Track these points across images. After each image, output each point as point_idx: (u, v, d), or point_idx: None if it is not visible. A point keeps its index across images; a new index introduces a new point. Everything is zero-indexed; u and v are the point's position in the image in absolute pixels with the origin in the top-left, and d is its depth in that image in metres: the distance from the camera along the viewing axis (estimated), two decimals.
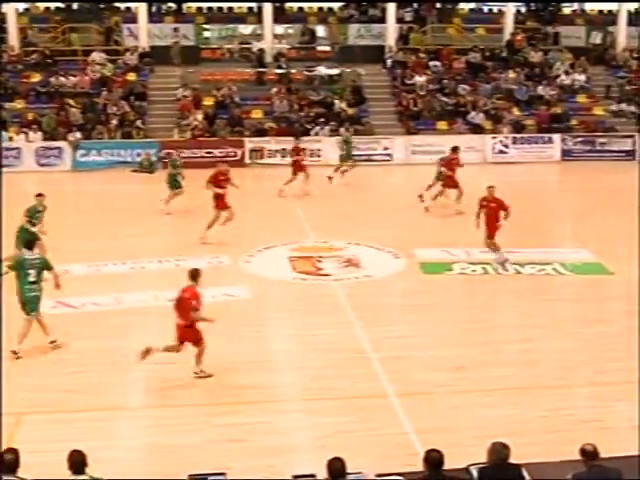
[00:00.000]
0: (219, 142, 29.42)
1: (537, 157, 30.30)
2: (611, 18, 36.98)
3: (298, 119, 30.75)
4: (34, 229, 16.22)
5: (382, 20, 34.67)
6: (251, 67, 33.36)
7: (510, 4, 35.74)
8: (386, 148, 29.91)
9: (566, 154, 30.66)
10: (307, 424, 10.82)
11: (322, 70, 32.96)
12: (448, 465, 7.81)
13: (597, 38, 35.29)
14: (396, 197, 24.51)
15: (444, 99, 32.04)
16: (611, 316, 15.26)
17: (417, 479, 7.64)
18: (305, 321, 14.41)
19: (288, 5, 37.16)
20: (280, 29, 35.86)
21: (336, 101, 31.34)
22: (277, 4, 35.00)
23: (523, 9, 37.97)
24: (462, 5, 38.69)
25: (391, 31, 34.20)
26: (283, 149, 28.81)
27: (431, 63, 33.68)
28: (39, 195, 17.01)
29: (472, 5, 39.28)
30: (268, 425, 10.62)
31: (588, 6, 39.54)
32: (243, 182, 27.41)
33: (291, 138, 27.69)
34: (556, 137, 30.83)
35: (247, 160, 29.28)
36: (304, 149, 25.63)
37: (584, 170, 28.34)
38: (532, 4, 38.01)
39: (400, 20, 35.09)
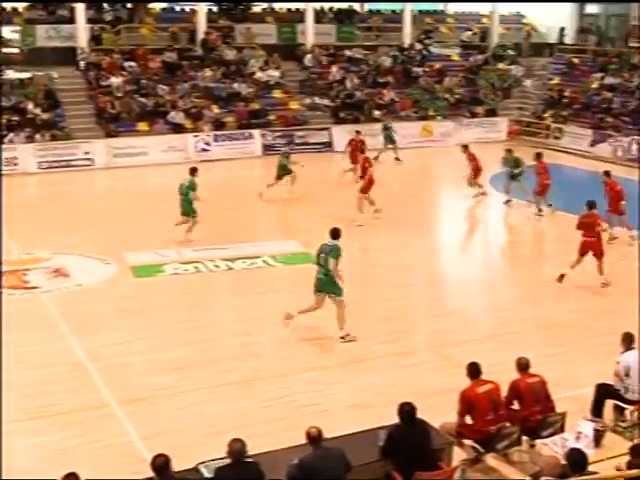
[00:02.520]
0: None
1: (240, 153, 30.78)
2: (299, 15, 38.36)
3: None
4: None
5: (71, 20, 33.64)
6: None
7: (201, 3, 36.00)
8: (86, 152, 29.00)
9: (267, 149, 31.39)
10: (28, 445, 10.32)
11: (11, 74, 31.36)
12: (178, 466, 7.79)
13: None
14: (100, 202, 23.94)
15: (142, 100, 31.68)
16: None
17: None
18: (15, 337, 13.59)
19: None
20: None
21: (29, 106, 30.02)
22: None
23: (215, 8, 38.39)
24: (153, 5, 38.48)
25: (82, 32, 33.24)
26: None
27: (126, 64, 33.13)
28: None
29: (164, 5, 39.18)
30: None
31: (277, 5, 40.73)
32: None
33: None
34: (256, 133, 31.48)
35: None
36: None
37: None
38: (223, 3, 38.51)
39: (91, 20, 34.26)
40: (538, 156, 22.05)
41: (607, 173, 19.73)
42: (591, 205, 16.53)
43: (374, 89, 35.43)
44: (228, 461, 7.90)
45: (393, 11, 42.48)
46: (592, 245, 16.19)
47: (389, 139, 29.71)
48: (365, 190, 21.38)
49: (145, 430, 10.48)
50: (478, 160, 23.76)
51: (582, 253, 16.25)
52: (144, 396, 11.50)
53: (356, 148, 25.77)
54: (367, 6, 43.57)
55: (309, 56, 36.01)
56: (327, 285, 13.49)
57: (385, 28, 40.44)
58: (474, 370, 9.68)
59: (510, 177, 23.00)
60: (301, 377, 12.22)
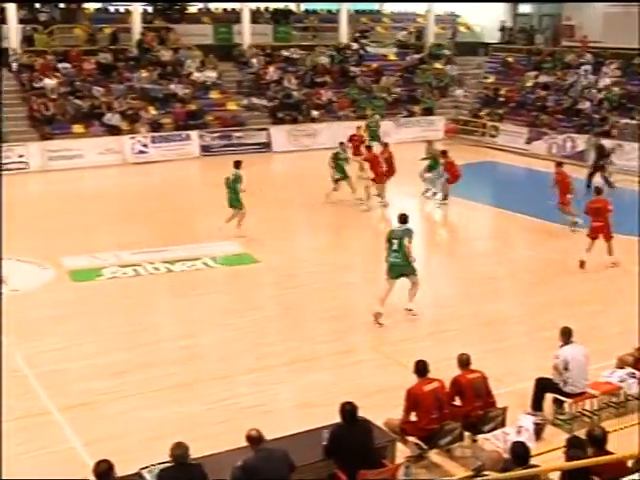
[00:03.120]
0: None
1: (177, 154, 30.55)
2: (235, 16, 38.20)
3: None
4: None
5: (2, 21, 32.98)
6: None
7: (136, 4, 35.62)
8: (21, 156, 28.48)
9: (205, 150, 31.27)
10: None
11: None
12: (120, 471, 7.69)
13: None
14: (36, 206, 23.54)
15: (77, 101, 31.23)
16: (262, 302, 15.75)
17: None
18: None
19: None
20: None
21: None
22: None
23: (150, 9, 38.03)
24: (87, 5, 37.97)
25: (13, 32, 32.63)
26: None
27: (60, 65, 32.64)
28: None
29: (98, 5, 38.68)
30: None
31: (212, 5, 40.52)
32: None
33: None
34: (194, 134, 31.31)
35: None
36: None
37: (223, 164, 28.84)
38: (158, 4, 38.17)
39: (23, 21, 33.67)
40: (444, 154, 23.44)
41: (559, 164, 20.88)
42: (599, 191, 18.02)
43: (312, 89, 35.48)
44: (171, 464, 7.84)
45: (329, 11, 42.61)
46: (601, 229, 17.18)
47: (373, 136, 28.69)
48: (380, 180, 22.63)
49: (87, 436, 10.34)
50: (393, 161, 23.65)
51: (592, 237, 17.24)
52: (84, 402, 11.34)
53: (359, 143, 25.87)
54: (303, 6, 43.65)
55: (254, 60, 35.84)
56: (407, 268, 14.22)
57: (321, 28, 40.56)
58: (421, 368, 9.73)
59: (428, 168, 24.04)
60: (244, 378, 12.15)
